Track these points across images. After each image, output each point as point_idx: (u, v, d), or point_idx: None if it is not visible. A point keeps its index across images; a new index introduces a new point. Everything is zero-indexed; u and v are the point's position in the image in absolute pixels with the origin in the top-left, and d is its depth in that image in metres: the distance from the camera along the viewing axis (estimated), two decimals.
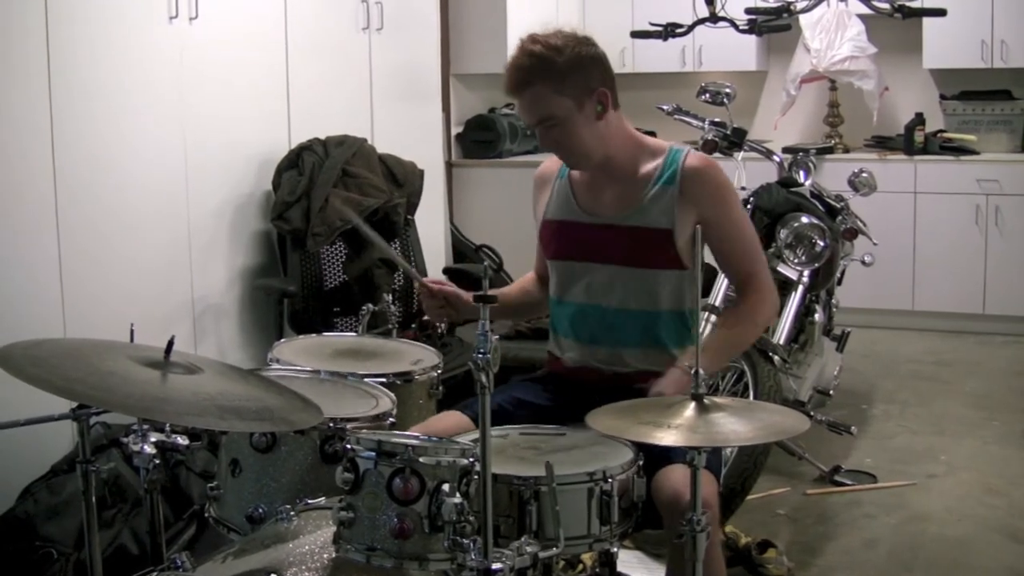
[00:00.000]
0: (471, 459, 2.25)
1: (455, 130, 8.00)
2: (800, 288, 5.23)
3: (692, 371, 2.57)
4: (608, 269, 3.09)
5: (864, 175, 5.89)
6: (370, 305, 4.03)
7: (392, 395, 3.03)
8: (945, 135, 7.82)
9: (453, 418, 3.03)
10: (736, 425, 2.48)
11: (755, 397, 4.49)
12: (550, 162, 3.31)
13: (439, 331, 5.61)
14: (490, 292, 2.19)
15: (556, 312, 3.24)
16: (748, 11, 6.13)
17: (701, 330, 4.70)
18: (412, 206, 5.60)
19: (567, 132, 3.00)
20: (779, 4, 6.01)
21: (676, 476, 2.64)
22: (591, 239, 3.13)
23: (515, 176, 7.62)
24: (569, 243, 3.18)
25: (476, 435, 2.21)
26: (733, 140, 5.38)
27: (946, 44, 7.65)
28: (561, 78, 2.94)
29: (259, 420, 2.34)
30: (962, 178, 7.57)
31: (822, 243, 5.16)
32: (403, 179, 5.55)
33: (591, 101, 2.99)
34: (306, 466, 2.73)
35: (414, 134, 6.46)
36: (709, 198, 3.05)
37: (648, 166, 3.09)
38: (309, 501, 2.58)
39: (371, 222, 5.29)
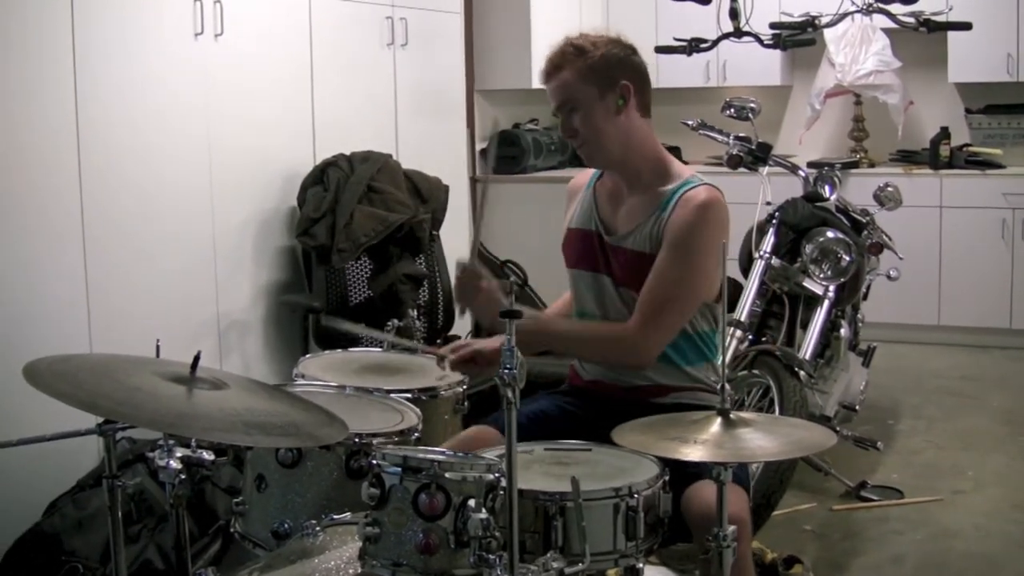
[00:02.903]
0: (497, 474, 2.25)
1: (479, 146, 8.01)
2: (826, 303, 5.22)
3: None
4: (613, 285, 3.12)
5: (889, 189, 5.87)
6: (395, 320, 4.04)
7: (417, 410, 3.03)
8: (971, 149, 7.79)
9: (485, 432, 3.03)
10: (762, 440, 2.48)
11: (781, 412, 4.48)
12: (581, 175, 3.35)
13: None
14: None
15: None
16: (772, 26, 6.12)
17: (727, 344, 4.72)
18: (437, 222, 5.61)
19: (585, 119, 3.05)
20: (804, 19, 6.01)
21: (707, 491, 2.63)
22: (600, 253, 3.15)
23: (540, 191, 7.63)
24: (583, 254, 3.19)
25: (502, 450, 2.21)
26: (758, 155, 5.37)
27: (971, 58, 7.63)
28: (588, 67, 3.03)
29: (285, 435, 2.34)
30: (988, 192, 7.54)
31: (848, 258, 5.15)
32: (428, 195, 5.56)
33: (613, 93, 3.05)
34: (332, 481, 2.73)
35: (439, 150, 6.47)
36: (678, 226, 2.99)
37: (664, 188, 3.09)
38: (335, 516, 2.59)
39: (396, 238, 5.31)
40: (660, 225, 3.03)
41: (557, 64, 3.07)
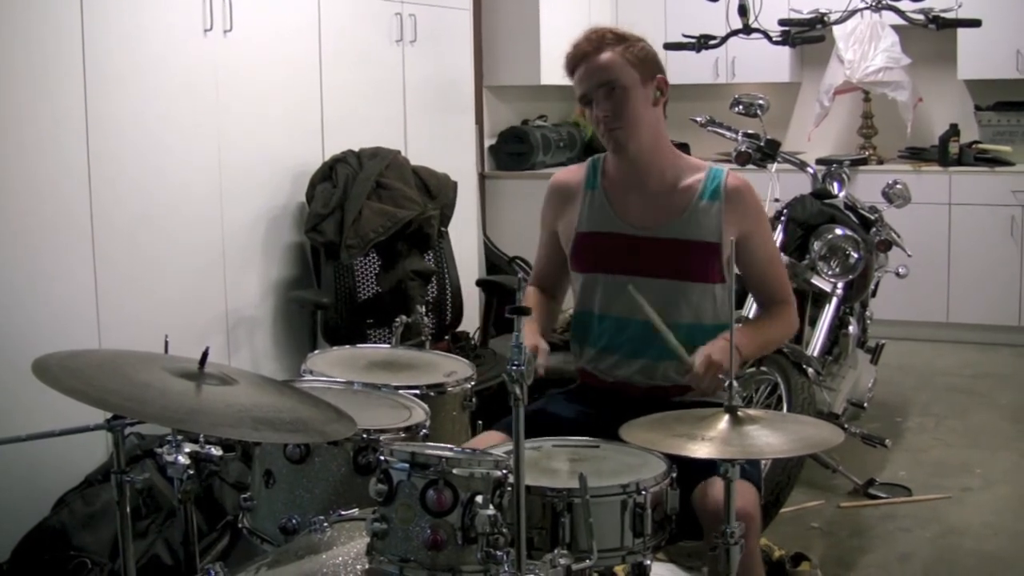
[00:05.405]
0: (504, 471, 2.25)
1: (488, 142, 8.01)
2: (834, 300, 5.21)
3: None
4: (652, 282, 3.08)
5: (898, 186, 5.86)
6: (403, 317, 4.03)
7: (425, 407, 3.03)
8: (980, 146, 7.79)
9: (493, 438, 3.02)
10: (770, 438, 2.48)
11: (789, 409, 4.48)
12: (567, 173, 3.35)
13: (472, 342, 5.63)
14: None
15: (591, 326, 3.21)
16: (781, 23, 6.12)
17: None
18: (446, 218, 5.60)
19: (626, 100, 3.08)
20: (812, 15, 6.01)
21: (718, 487, 2.63)
22: (634, 251, 3.13)
23: None
24: (610, 255, 3.17)
25: (510, 447, 2.21)
26: (766, 152, 5.37)
27: (980, 55, 7.62)
28: (632, 53, 3.10)
29: (293, 431, 2.34)
30: (997, 189, 7.53)
31: (856, 255, 5.15)
32: (436, 191, 5.55)
33: (652, 84, 3.12)
34: (339, 477, 2.73)
35: (447, 146, 6.47)
36: (752, 217, 3.13)
37: (689, 180, 3.13)
38: (342, 512, 2.58)
39: (404, 234, 5.31)
40: (718, 213, 3.09)
41: (597, 46, 3.10)
